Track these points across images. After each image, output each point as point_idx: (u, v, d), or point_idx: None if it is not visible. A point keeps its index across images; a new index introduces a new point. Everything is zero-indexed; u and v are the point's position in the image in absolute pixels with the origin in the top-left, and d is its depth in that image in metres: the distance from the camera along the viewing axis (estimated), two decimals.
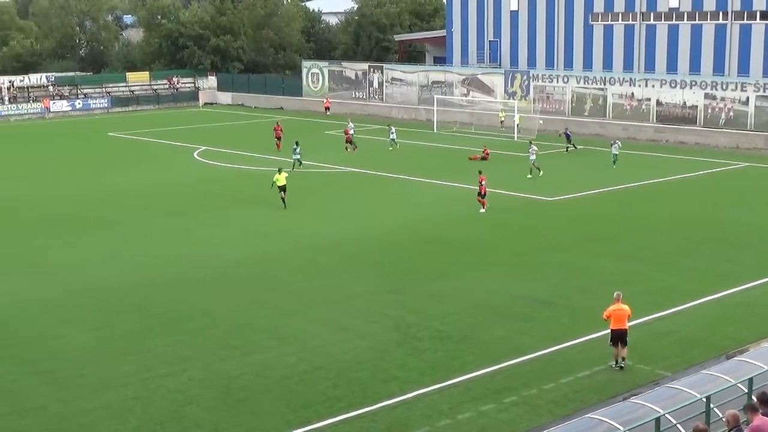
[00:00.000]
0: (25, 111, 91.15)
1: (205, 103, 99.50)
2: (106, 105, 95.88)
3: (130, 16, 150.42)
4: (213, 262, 33.28)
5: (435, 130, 70.78)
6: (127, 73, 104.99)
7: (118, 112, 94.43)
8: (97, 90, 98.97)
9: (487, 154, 55.91)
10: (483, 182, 40.65)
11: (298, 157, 52.74)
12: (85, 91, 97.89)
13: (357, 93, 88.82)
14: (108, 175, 52.73)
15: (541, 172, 49.02)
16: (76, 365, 23.54)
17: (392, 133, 60.53)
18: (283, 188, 41.79)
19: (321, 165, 54.86)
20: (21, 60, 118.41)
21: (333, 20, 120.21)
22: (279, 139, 59.51)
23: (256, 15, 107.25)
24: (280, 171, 42.45)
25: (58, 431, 19.80)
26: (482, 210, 40.58)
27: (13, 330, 26.50)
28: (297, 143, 52.89)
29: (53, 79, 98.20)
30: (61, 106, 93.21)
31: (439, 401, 20.89)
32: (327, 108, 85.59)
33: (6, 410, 20.80)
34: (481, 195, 40.80)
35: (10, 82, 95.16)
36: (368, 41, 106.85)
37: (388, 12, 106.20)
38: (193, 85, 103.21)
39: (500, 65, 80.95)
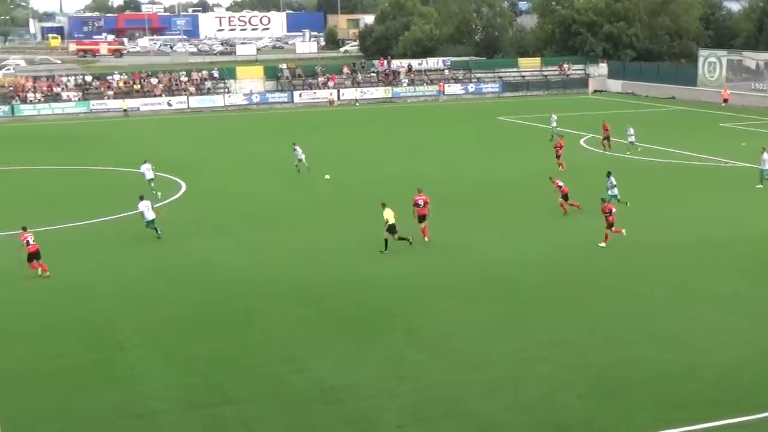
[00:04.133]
0: (421, 93, 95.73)
1: (595, 91, 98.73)
2: (497, 89, 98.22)
3: (525, 2, 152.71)
4: (583, 250, 33.00)
5: None
6: (518, 59, 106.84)
7: (508, 96, 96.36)
8: (489, 75, 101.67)
9: None
10: None
11: (302, 158, 50.20)
12: (477, 75, 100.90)
13: (757, 84, 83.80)
14: (495, 159, 53.91)
15: None
16: (455, 339, 24.41)
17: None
18: (392, 228, 32.73)
19: (717, 159, 52.43)
20: (420, 44, 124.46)
21: (735, 7, 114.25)
22: (608, 138, 56.54)
23: (652, 2, 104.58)
24: (384, 206, 33.07)
25: (432, 399, 20.63)
26: None
27: (399, 301, 27.96)
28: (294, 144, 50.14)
29: (449, 63, 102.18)
30: (455, 89, 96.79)
31: None
32: (725, 100, 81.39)
33: (390, 375, 22.04)
34: None
35: (409, 65, 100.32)
36: None
37: None
38: (583, 71, 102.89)
39: None
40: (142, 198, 36.61)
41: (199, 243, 35.48)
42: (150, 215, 35.82)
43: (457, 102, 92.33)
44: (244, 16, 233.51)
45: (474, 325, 25.63)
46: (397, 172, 49.00)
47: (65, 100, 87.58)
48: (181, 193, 45.79)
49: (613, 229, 33.34)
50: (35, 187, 48.18)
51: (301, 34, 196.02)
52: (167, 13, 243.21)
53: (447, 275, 30.52)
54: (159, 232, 35.88)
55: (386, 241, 32.71)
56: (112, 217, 40.02)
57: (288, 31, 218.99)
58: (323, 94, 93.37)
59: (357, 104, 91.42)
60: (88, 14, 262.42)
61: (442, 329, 25.25)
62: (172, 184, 47.69)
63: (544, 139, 60.11)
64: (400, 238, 32.93)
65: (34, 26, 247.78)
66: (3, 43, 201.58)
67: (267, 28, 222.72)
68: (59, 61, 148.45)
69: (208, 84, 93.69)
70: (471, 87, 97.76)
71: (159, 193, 43.96)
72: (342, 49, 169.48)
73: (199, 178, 49.42)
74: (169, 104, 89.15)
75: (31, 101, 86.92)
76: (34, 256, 31.17)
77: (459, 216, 38.83)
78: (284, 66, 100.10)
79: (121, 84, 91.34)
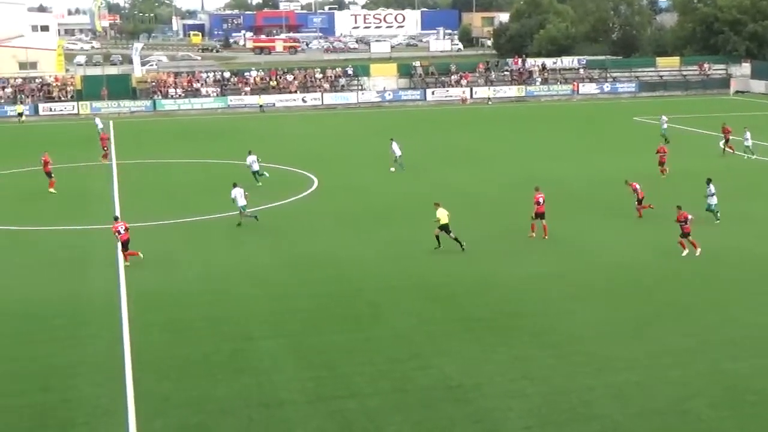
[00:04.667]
0: (555, 92, 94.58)
1: (737, 92, 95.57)
2: (633, 89, 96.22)
3: (665, 0, 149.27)
4: (713, 256, 31.98)
5: None
6: (656, 58, 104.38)
7: (644, 96, 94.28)
8: (626, 74, 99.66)
9: None
10: None
11: (399, 155, 49.95)
12: (613, 74, 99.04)
13: None
14: (627, 159, 52.79)
15: None
16: (582, 342, 24.03)
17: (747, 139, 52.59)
18: (445, 228, 33.11)
19: None
20: (555, 43, 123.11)
21: None
22: (728, 141, 53.34)
23: None
24: (438, 206, 33.57)
25: (558, 402, 20.33)
26: None
27: (526, 302, 27.69)
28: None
29: (584, 62, 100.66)
30: (590, 89, 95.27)
31: None
32: None
33: (517, 376, 21.87)
34: None
35: (543, 64, 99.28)
36: None
37: None
38: (724, 71, 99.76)
39: None
40: (235, 185, 38.08)
41: (329, 237, 35.93)
42: (242, 201, 37.52)
43: (591, 102, 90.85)
44: (380, 14, 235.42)
45: (602, 327, 25.17)
46: (527, 173, 48.50)
47: (204, 96, 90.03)
48: (313, 188, 46.44)
49: (689, 239, 32.09)
50: (173, 180, 49.63)
51: (435, 32, 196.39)
52: (304, 11, 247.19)
53: (573, 276, 30.08)
54: (245, 217, 37.63)
55: (437, 237, 33.15)
56: (252, 210, 40.87)
57: (422, 29, 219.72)
58: (456, 92, 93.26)
59: (489, 103, 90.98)
60: (228, 12, 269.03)
61: (569, 331, 24.89)
62: (304, 180, 48.43)
63: (678, 140, 58.56)
64: (455, 239, 33.11)
65: (176, 23, 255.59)
66: (147, 40, 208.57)
67: (401, 26, 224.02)
68: (199, 58, 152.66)
69: (342, 81, 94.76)
70: (606, 86, 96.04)
71: (260, 184, 45.59)
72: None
73: (331, 173, 50.02)
74: (303, 101, 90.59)
75: (171, 96, 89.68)
76: (124, 245, 32.24)
77: (587, 217, 38.21)
78: (418, 64, 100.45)
79: (257, 80, 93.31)
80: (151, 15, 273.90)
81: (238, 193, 37.59)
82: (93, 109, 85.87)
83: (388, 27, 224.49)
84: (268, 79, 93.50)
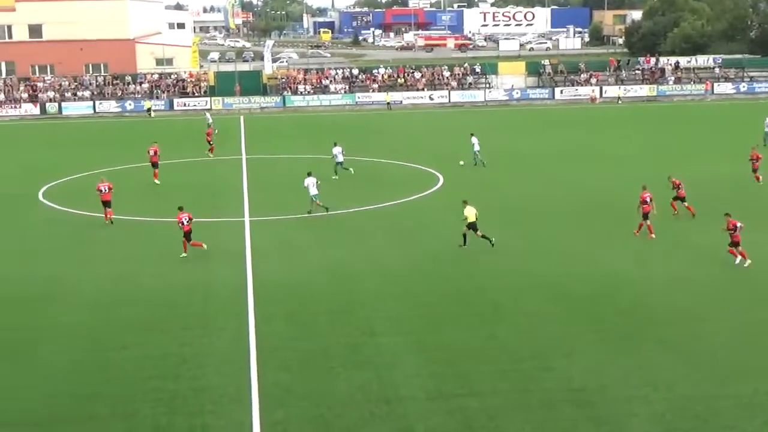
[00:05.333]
0: (688, 92, 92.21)
1: None
2: None
3: None
4: None
5: None
6: None
7: None
8: (764, 74, 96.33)
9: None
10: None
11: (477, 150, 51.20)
12: (751, 74, 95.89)
13: None
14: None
15: None
16: (711, 349, 23.38)
17: None
18: (472, 226, 33.18)
19: None
20: (690, 41, 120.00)
21: None
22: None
23: None
24: (465, 204, 33.92)
25: (683, 410, 19.85)
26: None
27: (653, 305, 27.09)
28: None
29: (720, 61, 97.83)
30: (725, 88, 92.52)
31: None
32: None
33: (641, 381, 21.42)
34: None
35: (676, 62, 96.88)
36: None
37: None
38: None
39: None
40: (309, 174, 39.75)
41: (452, 234, 35.89)
42: (313, 190, 39.17)
43: (726, 102, 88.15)
44: (509, 12, 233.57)
45: (730, 334, 24.45)
46: (657, 172, 47.36)
47: (333, 93, 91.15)
48: (438, 185, 46.50)
49: (738, 248, 30.75)
50: (300, 175, 50.28)
51: (565, 29, 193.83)
52: (433, 9, 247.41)
53: (701, 281, 29.32)
54: (317, 206, 39.16)
55: (464, 236, 33.46)
56: (377, 206, 41.27)
57: (552, 26, 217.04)
58: (585, 91, 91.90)
59: (619, 102, 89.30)
60: (357, 10, 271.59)
61: (696, 337, 24.27)
62: (429, 177, 48.53)
63: None
64: (483, 236, 33.25)
65: (307, 21, 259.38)
66: (278, 37, 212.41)
67: (531, 24, 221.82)
68: (329, 55, 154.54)
69: (470, 79, 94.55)
70: (743, 86, 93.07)
71: (337, 177, 47.56)
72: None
73: (456, 171, 49.96)
74: (430, 98, 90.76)
75: (301, 93, 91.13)
76: (186, 235, 33.22)
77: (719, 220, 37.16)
78: (546, 62, 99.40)
79: (385, 78, 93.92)
80: (283, 13, 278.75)
81: (310, 182, 39.24)
82: (225, 105, 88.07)
83: (517, 25, 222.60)
84: (395, 76, 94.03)
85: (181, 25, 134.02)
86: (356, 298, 28.20)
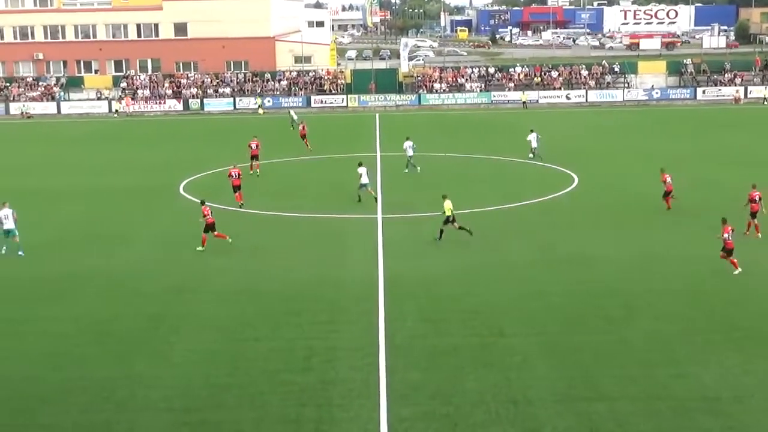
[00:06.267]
0: None
1: None
2: None
3: None
4: None
5: None
6: None
7: None
8: None
9: None
10: None
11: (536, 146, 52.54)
12: None
13: None
14: None
15: None
16: None
17: None
18: (449, 219, 34.30)
19: None
20: None
21: None
22: None
23: None
24: (445, 198, 34.67)
25: None
26: None
27: None
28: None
29: None
30: None
31: None
32: None
33: None
34: None
35: None
36: None
37: None
38: None
39: None
40: (360, 164, 42.74)
41: (586, 236, 35.35)
42: (365, 179, 41.80)
43: None
44: (650, 10, 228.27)
45: None
46: None
47: (468, 91, 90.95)
48: (573, 186, 45.84)
49: (730, 258, 29.71)
50: (433, 172, 50.36)
51: (709, 28, 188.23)
52: (572, 7, 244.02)
53: None
54: (366, 193, 41.62)
55: (441, 231, 34.57)
56: (510, 205, 41.02)
57: (695, 24, 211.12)
58: (728, 92, 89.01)
59: (765, 103, 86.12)
60: (495, 8, 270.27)
61: None
62: (564, 177, 47.89)
63: None
64: (461, 227, 34.35)
65: (444, 19, 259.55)
66: (415, 35, 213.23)
67: (673, 22, 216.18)
68: (465, 53, 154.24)
69: (608, 78, 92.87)
70: None
71: (407, 171, 49.57)
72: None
73: (592, 172, 49.16)
74: (567, 97, 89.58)
75: (436, 91, 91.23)
76: (209, 227, 34.34)
77: None
78: (689, 61, 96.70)
79: (521, 76, 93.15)
80: (420, 11, 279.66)
81: (362, 171, 41.94)
82: (361, 102, 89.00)
83: (659, 23, 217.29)
84: (532, 75, 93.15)
85: (319, 23, 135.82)
86: (486, 297, 28.05)
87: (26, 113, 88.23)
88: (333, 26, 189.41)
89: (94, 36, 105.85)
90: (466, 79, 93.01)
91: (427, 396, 20.87)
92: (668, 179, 39.04)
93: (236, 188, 42.06)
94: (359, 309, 27.16)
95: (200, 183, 48.83)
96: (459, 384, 21.48)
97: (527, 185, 45.67)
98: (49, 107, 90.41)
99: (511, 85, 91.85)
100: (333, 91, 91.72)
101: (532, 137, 53.23)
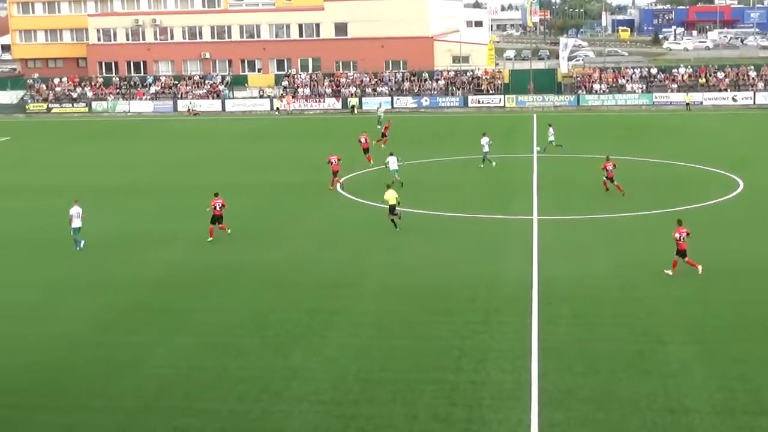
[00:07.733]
0: None
1: None
2: None
3: None
4: None
5: None
6: None
7: None
8: None
9: None
10: None
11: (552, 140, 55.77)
12: None
13: None
14: None
15: None
16: None
17: None
18: (392, 209, 36.81)
19: None
20: None
21: None
22: None
23: None
24: (388, 187, 37.79)
25: None
26: None
27: None
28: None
29: None
30: None
31: None
32: None
33: None
34: None
35: None
36: None
37: None
38: None
39: None
40: (391, 154, 46.64)
41: (750, 243, 34.02)
42: (393, 166, 45.38)
43: None
44: None
45: None
46: None
47: (629, 92, 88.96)
48: (738, 191, 44.21)
49: (686, 259, 29.09)
50: (590, 175, 49.48)
51: None
52: (740, 5, 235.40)
53: None
54: (396, 180, 43.00)
55: (393, 221, 36.78)
56: (668, 210, 39.98)
57: None
58: None
59: None
60: (659, 7, 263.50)
61: None
62: (728, 182, 46.23)
63: None
64: (393, 216, 36.62)
65: (605, 19, 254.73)
66: (575, 36, 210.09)
67: None
68: (626, 53, 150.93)
69: None
70: None
71: (482, 166, 51.47)
72: None
73: (759, 176, 47.23)
74: (733, 99, 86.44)
75: (596, 92, 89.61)
76: (216, 219, 35.97)
77: None
78: None
79: (685, 78, 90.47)
80: (581, 10, 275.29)
81: (391, 160, 45.73)
82: (518, 103, 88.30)
83: None
84: (697, 76, 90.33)
85: (478, 23, 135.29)
86: (642, 303, 27.39)
87: (193, 110, 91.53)
88: (492, 26, 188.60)
89: (258, 36, 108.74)
90: (627, 80, 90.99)
91: (580, 401, 20.54)
92: (609, 167, 40.69)
93: (335, 173, 45.72)
94: (512, 310, 26.97)
95: (356, 181, 49.40)
96: (613, 390, 21.05)
97: (689, 189, 44.33)
98: (215, 105, 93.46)
99: (674, 86, 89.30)
100: (490, 91, 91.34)
101: (551, 130, 57.59)
